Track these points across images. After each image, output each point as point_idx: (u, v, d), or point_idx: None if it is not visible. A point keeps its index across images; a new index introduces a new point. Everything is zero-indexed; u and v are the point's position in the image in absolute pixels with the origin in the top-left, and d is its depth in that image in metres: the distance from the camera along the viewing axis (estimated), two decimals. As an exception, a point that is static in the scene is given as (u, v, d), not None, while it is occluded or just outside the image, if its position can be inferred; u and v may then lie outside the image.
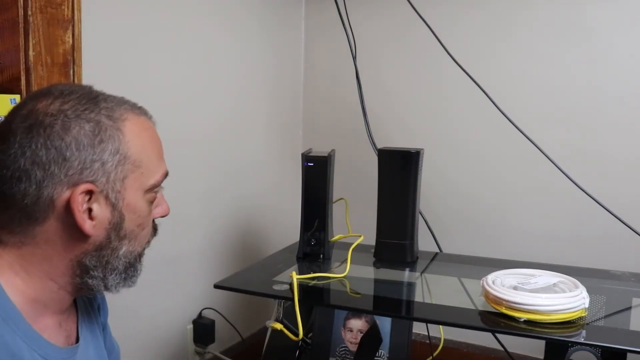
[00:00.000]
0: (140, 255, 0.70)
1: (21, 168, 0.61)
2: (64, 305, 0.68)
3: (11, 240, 0.63)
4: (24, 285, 0.63)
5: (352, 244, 1.24)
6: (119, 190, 0.64)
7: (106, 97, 0.67)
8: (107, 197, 0.63)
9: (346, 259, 1.16)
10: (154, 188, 0.68)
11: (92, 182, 0.62)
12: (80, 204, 0.62)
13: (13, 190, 0.61)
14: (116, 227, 0.65)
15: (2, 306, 0.60)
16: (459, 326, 0.93)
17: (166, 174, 0.71)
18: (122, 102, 0.68)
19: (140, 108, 0.70)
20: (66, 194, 0.61)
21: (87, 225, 0.62)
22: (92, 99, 0.65)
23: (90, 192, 0.62)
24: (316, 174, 1.20)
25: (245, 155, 1.65)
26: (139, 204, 0.66)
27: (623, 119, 1.44)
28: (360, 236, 1.26)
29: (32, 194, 0.61)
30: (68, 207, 0.61)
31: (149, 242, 0.72)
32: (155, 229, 0.73)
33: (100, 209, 0.63)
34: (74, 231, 0.63)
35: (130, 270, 0.69)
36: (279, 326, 1.11)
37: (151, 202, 0.69)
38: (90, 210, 0.63)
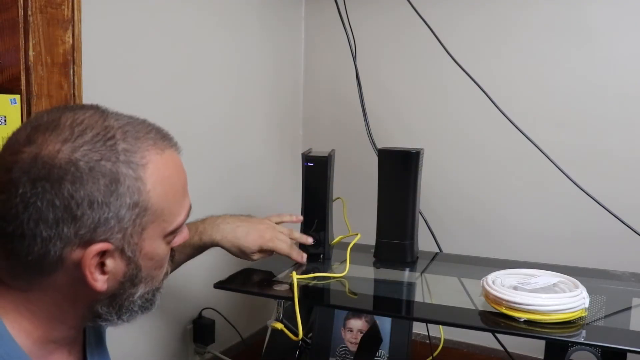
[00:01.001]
0: (157, 289, 0.66)
1: (24, 226, 0.54)
2: (74, 338, 0.65)
3: (15, 283, 0.58)
4: (31, 327, 0.59)
5: (355, 243, 1.25)
6: (136, 243, 0.59)
7: (125, 133, 0.58)
8: (122, 252, 0.58)
9: (350, 259, 1.16)
10: (176, 231, 0.63)
11: (106, 240, 0.56)
12: (92, 265, 0.57)
13: (14, 245, 0.55)
14: (131, 278, 0.60)
15: (7, 350, 0.56)
16: (459, 326, 0.93)
17: (190, 209, 0.66)
18: (142, 134, 0.60)
19: (164, 137, 0.63)
20: (77, 254, 0.56)
21: (99, 283, 0.58)
22: (109, 139, 0.57)
23: (104, 251, 0.57)
24: (316, 174, 1.20)
25: (244, 155, 1.65)
26: (158, 250, 0.62)
27: (624, 119, 1.44)
28: (357, 235, 1.26)
29: (37, 252, 0.55)
30: (79, 264, 0.56)
31: (167, 273, 0.67)
32: (172, 256, 0.68)
33: (114, 264, 0.58)
34: (84, 284, 0.58)
35: (148, 304, 0.65)
36: (279, 326, 1.11)
37: (171, 241, 0.64)
38: (103, 263, 0.58)
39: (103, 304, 0.61)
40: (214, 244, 1.06)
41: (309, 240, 1.18)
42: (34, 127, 0.57)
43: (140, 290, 0.62)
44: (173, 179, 0.62)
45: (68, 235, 0.54)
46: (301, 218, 1.21)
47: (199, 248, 1.06)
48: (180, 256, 1.03)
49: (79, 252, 0.56)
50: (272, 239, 1.08)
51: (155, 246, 0.61)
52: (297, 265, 1.16)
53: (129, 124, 0.60)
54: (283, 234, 1.12)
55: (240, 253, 1.07)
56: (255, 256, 1.08)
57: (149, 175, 0.58)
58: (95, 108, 0.61)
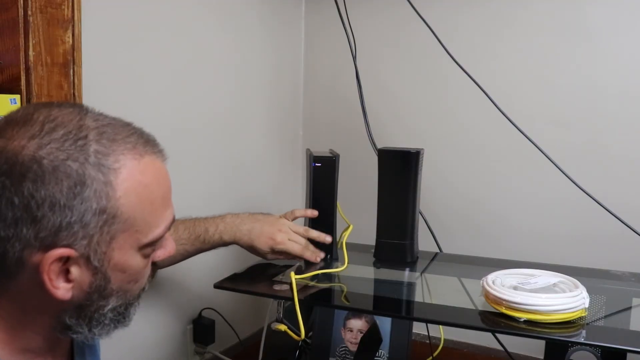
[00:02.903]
0: (131, 304, 0.62)
1: None
2: (52, 348, 0.61)
3: None
4: (7, 337, 0.57)
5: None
6: (104, 252, 0.55)
7: (101, 133, 0.54)
8: (88, 260, 0.54)
9: (350, 259, 1.16)
10: (153, 243, 0.59)
11: (68, 246, 0.52)
12: (52, 272, 0.53)
13: None
14: (99, 289, 0.56)
15: None
16: (459, 326, 0.93)
17: (172, 222, 0.62)
18: (121, 137, 0.56)
19: (146, 143, 0.58)
20: (37, 258, 0.52)
21: (61, 292, 0.54)
22: (80, 139, 0.53)
23: (66, 258, 0.53)
24: (323, 174, 1.20)
25: (244, 155, 1.65)
26: (130, 262, 0.57)
27: (624, 119, 1.44)
28: (349, 226, 1.27)
29: None
30: (38, 269, 0.52)
31: (144, 288, 0.63)
32: (154, 270, 0.65)
33: (79, 272, 0.54)
34: (46, 291, 0.54)
35: (121, 318, 0.61)
36: (283, 327, 1.11)
37: (148, 255, 0.60)
38: (68, 271, 0.54)
39: (70, 314, 0.57)
40: (234, 243, 1.09)
41: (328, 238, 1.17)
42: (7, 121, 0.55)
43: (112, 303, 0.58)
44: (151, 187, 0.57)
45: (27, 237, 0.51)
46: (316, 213, 1.19)
47: (218, 245, 1.09)
48: (197, 251, 1.08)
49: (39, 255, 0.52)
50: (283, 241, 1.08)
51: (127, 258, 0.57)
52: (307, 264, 1.15)
53: (108, 125, 0.56)
54: (298, 233, 1.11)
55: (256, 253, 1.11)
56: (270, 256, 1.10)
57: (121, 180, 0.54)
58: (75, 106, 0.58)
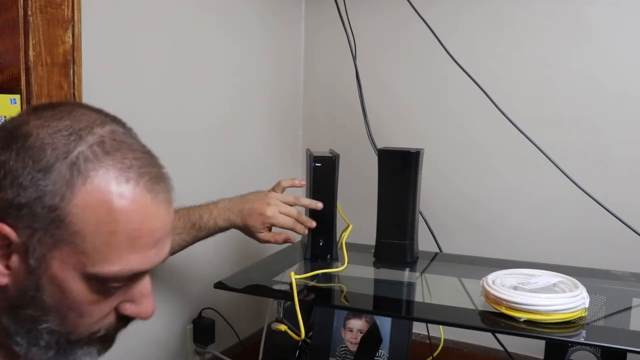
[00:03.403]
0: (75, 342, 0.55)
1: None
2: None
3: None
4: None
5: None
6: (43, 254, 0.50)
7: (102, 143, 0.51)
8: (26, 254, 0.51)
9: (350, 259, 1.16)
10: (106, 281, 0.53)
11: (13, 227, 0.50)
12: None
13: None
14: (33, 294, 0.52)
15: None
16: (459, 326, 0.93)
17: (141, 274, 0.54)
18: (121, 155, 0.52)
19: (152, 179, 0.53)
20: None
21: None
22: (76, 136, 0.51)
23: (5, 241, 0.50)
24: (324, 174, 1.20)
25: (244, 155, 1.65)
26: (70, 286, 0.52)
27: (624, 119, 1.44)
28: (349, 225, 1.27)
29: None
30: None
31: (102, 337, 0.56)
32: (124, 321, 0.57)
33: (17, 263, 0.51)
34: None
35: (61, 352, 0.54)
36: (283, 327, 1.11)
37: (101, 292, 0.54)
38: (9, 257, 0.51)
39: (8, 315, 0.53)
40: (229, 227, 1.09)
41: (319, 205, 1.16)
42: (49, 105, 0.55)
43: (50, 323, 0.53)
44: (119, 216, 0.51)
45: None
46: (304, 182, 1.19)
47: (215, 231, 1.09)
48: (194, 239, 1.07)
49: None
50: (274, 215, 1.07)
51: (67, 277, 0.51)
52: (299, 265, 1.16)
53: (121, 143, 0.53)
54: (288, 203, 1.10)
55: (251, 234, 1.09)
56: (265, 235, 1.08)
57: (86, 190, 0.50)
58: (110, 118, 0.57)
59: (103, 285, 0.53)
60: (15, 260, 0.51)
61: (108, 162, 0.51)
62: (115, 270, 0.52)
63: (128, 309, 0.56)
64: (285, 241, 1.11)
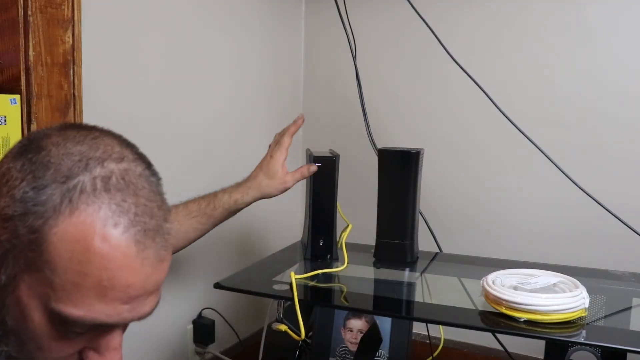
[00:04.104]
0: None
1: None
2: None
3: None
4: None
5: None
6: (14, 274, 0.48)
7: (107, 179, 0.49)
8: None
9: (350, 259, 1.16)
10: (70, 324, 0.49)
11: None
12: None
13: None
14: None
15: None
16: (459, 326, 0.93)
17: (105, 325, 0.50)
18: (120, 198, 0.49)
19: (143, 231, 0.49)
20: None
21: None
22: (83, 163, 0.49)
23: None
24: (324, 174, 1.20)
25: (244, 156, 1.65)
26: (32, 314, 0.49)
27: (624, 119, 1.44)
28: (349, 225, 1.27)
29: None
30: None
31: None
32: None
33: None
34: None
35: None
36: (283, 327, 1.11)
37: (61, 333, 0.50)
38: None
39: None
40: (246, 202, 1.11)
41: (299, 121, 1.21)
42: (83, 126, 0.55)
43: (9, 348, 0.50)
44: (94, 260, 0.47)
45: None
46: (300, 121, 1.22)
47: (233, 210, 1.10)
48: (210, 221, 1.07)
49: None
50: (290, 179, 1.11)
51: (30, 304, 0.48)
52: (299, 265, 1.16)
53: (128, 184, 0.50)
54: (284, 147, 1.14)
55: (279, 191, 1.12)
56: (290, 180, 1.12)
57: (71, 223, 0.47)
58: (135, 156, 0.54)
59: (64, 326, 0.49)
60: None
61: (104, 200, 0.48)
62: (78, 315, 0.48)
63: (90, 357, 0.52)
64: (310, 171, 1.16)
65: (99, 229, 0.47)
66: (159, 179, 0.55)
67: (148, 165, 0.55)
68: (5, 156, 0.52)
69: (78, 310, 0.48)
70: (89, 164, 0.49)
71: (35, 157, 0.49)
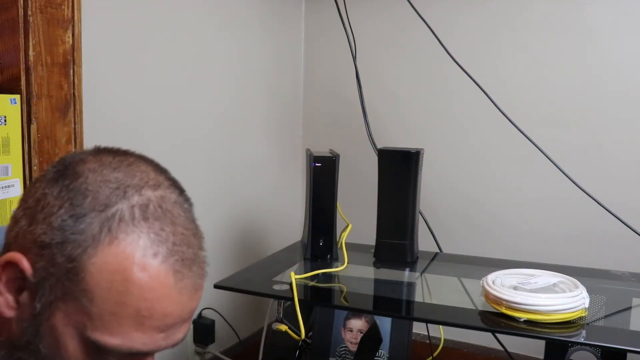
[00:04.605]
0: None
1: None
2: None
3: None
4: None
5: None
6: (50, 301, 0.48)
7: (145, 207, 0.49)
8: (34, 295, 0.48)
9: (350, 259, 1.17)
10: (106, 353, 0.49)
11: (32, 262, 0.48)
12: (7, 274, 0.49)
13: None
14: (29, 339, 0.49)
15: None
16: (459, 326, 0.93)
17: (140, 354, 0.50)
18: (159, 227, 0.49)
19: (181, 260, 0.50)
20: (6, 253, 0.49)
21: (4, 301, 0.49)
22: (121, 192, 0.49)
23: (22, 274, 0.48)
24: (323, 174, 1.20)
25: (244, 156, 1.65)
26: (67, 344, 0.49)
27: (624, 119, 1.44)
28: (348, 225, 1.26)
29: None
30: None
31: None
32: None
33: (26, 301, 0.49)
34: None
35: None
36: (283, 327, 1.11)
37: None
38: (20, 291, 0.49)
39: (6, 347, 0.51)
40: None
41: None
42: (122, 151, 0.54)
43: None
44: (133, 289, 0.47)
45: (22, 228, 0.50)
46: None
47: None
48: None
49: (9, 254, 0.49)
50: None
51: (66, 332, 0.48)
52: (299, 265, 1.16)
53: (165, 212, 0.50)
54: None
55: None
56: None
57: (110, 253, 0.47)
58: (169, 182, 0.54)
59: (99, 354, 0.49)
60: (25, 297, 0.49)
61: (142, 229, 0.48)
62: (114, 344, 0.48)
63: None
64: None
65: (138, 258, 0.47)
66: (191, 204, 0.55)
67: (181, 191, 0.55)
68: (38, 180, 0.52)
69: (115, 339, 0.48)
70: (126, 192, 0.49)
71: (72, 183, 0.49)
